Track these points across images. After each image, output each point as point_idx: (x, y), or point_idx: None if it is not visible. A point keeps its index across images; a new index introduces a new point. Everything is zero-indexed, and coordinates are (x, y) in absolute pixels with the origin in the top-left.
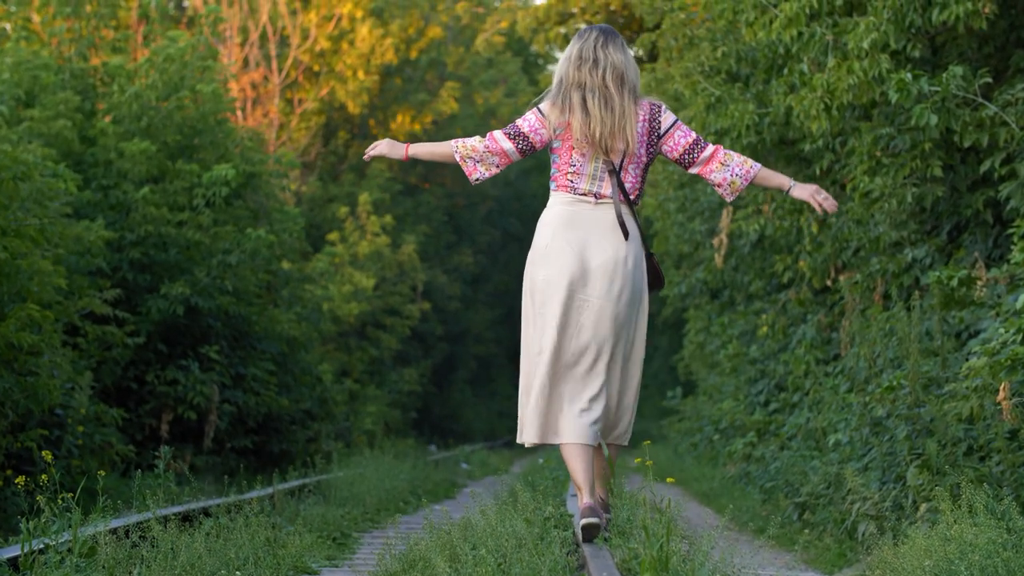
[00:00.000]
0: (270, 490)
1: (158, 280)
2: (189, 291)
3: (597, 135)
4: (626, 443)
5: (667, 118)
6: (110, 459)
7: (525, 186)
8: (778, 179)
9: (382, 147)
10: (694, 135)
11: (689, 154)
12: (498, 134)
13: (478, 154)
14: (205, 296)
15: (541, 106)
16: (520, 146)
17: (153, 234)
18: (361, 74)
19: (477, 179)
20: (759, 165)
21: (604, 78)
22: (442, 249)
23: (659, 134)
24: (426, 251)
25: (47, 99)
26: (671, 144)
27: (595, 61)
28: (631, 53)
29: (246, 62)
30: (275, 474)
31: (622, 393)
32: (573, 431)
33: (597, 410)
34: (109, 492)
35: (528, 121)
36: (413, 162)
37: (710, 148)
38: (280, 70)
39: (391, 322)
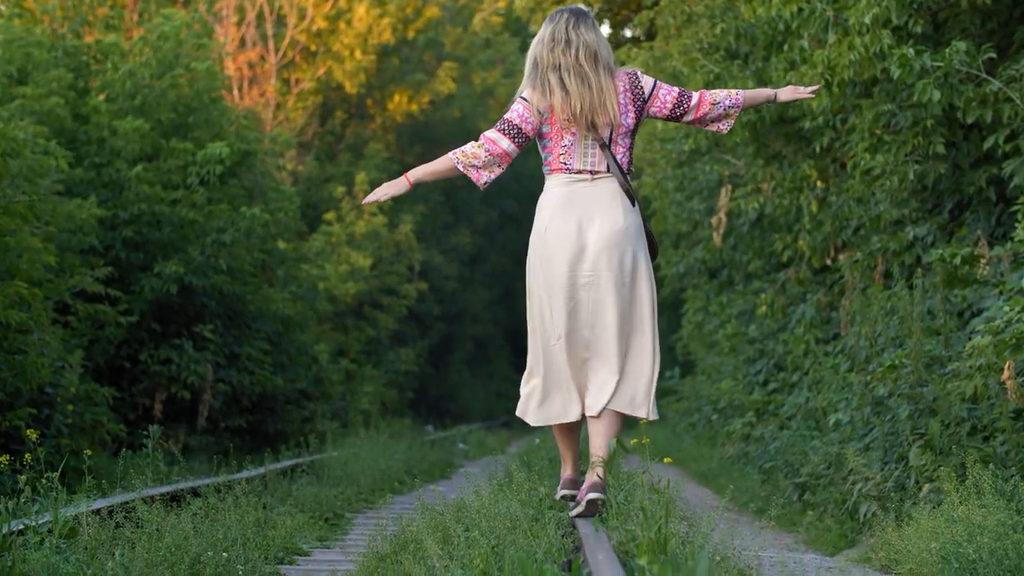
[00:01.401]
0: (262, 470)
1: (151, 258)
2: (183, 270)
3: (578, 111)
4: (654, 417)
5: (647, 82)
6: (100, 438)
7: (523, 166)
8: (763, 94)
9: (385, 189)
10: (676, 89)
11: (678, 107)
12: (494, 135)
13: (480, 160)
14: (199, 275)
15: (524, 93)
16: (518, 141)
17: (146, 212)
18: (358, 54)
19: (485, 183)
20: (742, 91)
21: (578, 57)
22: (439, 229)
23: (644, 99)
24: (423, 231)
25: (40, 77)
26: (659, 105)
27: (567, 42)
28: (603, 32)
29: (243, 42)
30: (267, 454)
31: (637, 363)
32: (575, 408)
33: (610, 385)
34: (99, 472)
35: (517, 111)
36: (410, 142)
37: (695, 95)
38: (277, 50)
39: (388, 302)
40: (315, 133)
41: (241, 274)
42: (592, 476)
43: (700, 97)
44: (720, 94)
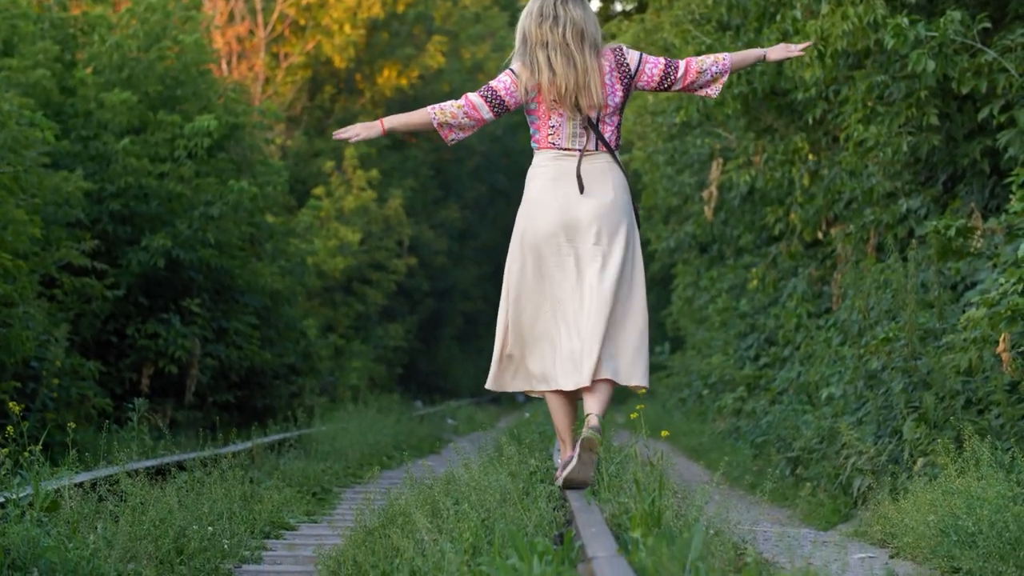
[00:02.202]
0: (249, 444)
1: (139, 232)
2: (170, 243)
3: (563, 92)
4: (646, 384)
5: (632, 57)
6: (87, 413)
7: (512, 141)
8: (752, 55)
9: (357, 129)
10: (662, 60)
11: (666, 78)
12: (475, 98)
13: (456, 120)
14: (187, 248)
15: (513, 67)
16: (496, 109)
17: (134, 185)
18: (347, 28)
19: (453, 140)
20: (728, 54)
21: (565, 35)
22: (429, 204)
23: (631, 75)
24: (412, 206)
25: (26, 49)
26: (646, 79)
27: (555, 18)
28: (591, 7)
29: (231, 16)
30: (254, 428)
31: (627, 333)
32: (570, 378)
33: (599, 356)
34: (85, 446)
35: (503, 83)
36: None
37: (682, 64)
38: (266, 24)
39: (377, 277)
40: (304, 108)
41: (229, 248)
42: (569, 451)
43: (687, 66)
44: (707, 60)
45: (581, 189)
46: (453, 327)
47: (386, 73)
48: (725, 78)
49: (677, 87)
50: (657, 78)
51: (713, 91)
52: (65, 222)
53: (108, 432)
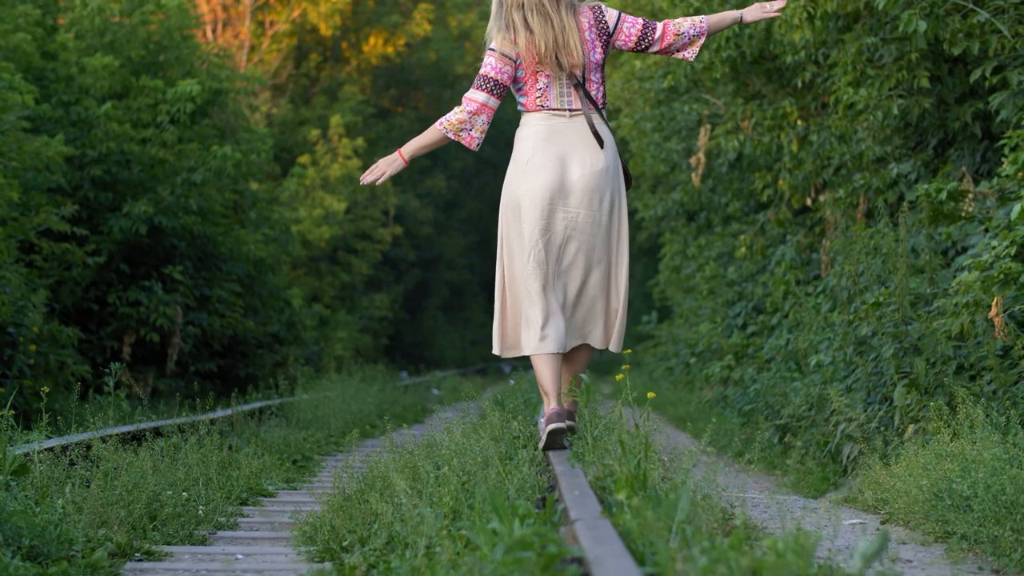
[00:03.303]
0: (228, 411)
1: (120, 198)
2: (152, 210)
3: (543, 50)
4: (619, 350)
5: (611, 15)
6: (65, 380)
7: (500, 112)
8: (728, 17)
9: (381, 167)
10: (641, 20)
11: (643, 39)
12: (470, 92)
13: (465, 123)
14: (169, 215)
15: (492, 45)
16: (496, 92)
17: (116, 151)
18: None
19: (477, 144)
20: (705, 17)
21: None
22: (414, 173)
23: (609, 32)
24: (398, 175)
25: (6, 12)
26: (624, 38)
27: None
28: None
29: None
30: (234, 396)
31: (611, 299)
32: (554, 341)
33: (580, 318)
34: (64, 414)
35: (489, 64)
36: (386, 85)
37: (659, 26)
38: None
39: (363, 247)
40: (289, 76)
41: (212, 215)
42: (552, 404)
43: (664, 28)
44: (684, 24)
45: (601, 144)
46: (439, 297)
47: (372, 41)
48: (702, 40)
49: (654, 49)
50: (634, 38)
51: (690, 54)
52: (45, 187)
53: (85, 399)
